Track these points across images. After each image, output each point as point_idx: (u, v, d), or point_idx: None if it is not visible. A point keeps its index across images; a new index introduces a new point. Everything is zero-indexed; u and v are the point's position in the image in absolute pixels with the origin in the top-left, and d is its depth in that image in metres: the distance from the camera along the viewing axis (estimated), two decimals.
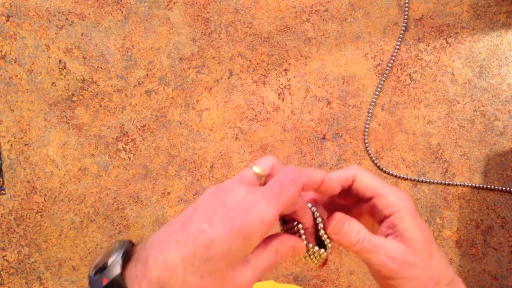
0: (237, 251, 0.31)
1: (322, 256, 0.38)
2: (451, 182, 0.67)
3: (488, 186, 0.67)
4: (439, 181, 0.67)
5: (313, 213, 0.37)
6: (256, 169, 0.35)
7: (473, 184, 0.67)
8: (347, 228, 0.36)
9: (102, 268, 0.31)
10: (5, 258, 0.68)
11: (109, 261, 0.31)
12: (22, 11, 0.68)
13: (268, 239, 0.35)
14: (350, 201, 0.40)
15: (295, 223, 0.37)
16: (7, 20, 0.67)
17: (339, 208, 0.41)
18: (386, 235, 0.37)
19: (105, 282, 0.31)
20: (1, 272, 0.68)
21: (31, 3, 0.68)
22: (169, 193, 0.68)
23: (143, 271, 0.31)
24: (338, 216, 0.37)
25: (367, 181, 0.37)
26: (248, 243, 0.31)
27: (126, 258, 0.32)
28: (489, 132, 0.67)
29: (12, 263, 0.68)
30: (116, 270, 0.31)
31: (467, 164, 0.67)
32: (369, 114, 0.68)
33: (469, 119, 0.68)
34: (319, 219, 0.37)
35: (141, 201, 0.68)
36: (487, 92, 0.67)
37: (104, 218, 0.68)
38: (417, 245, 0.36)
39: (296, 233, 0.37)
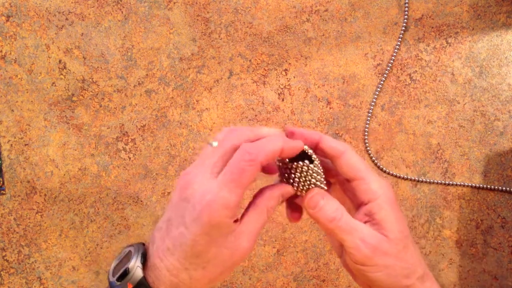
0: (218, 236, 0.33)
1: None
2: (451, 182, 0.67)
3: (488, 186, 0.67)
4: (439, 181, 0.67)
5: (310, 155, 0.37)
6: (216, 144, 0.36)
7: (473, 184, 0.67)
8: (324, 203, 0.36)
9: (124, 274, 0.34)
10: (5, 258, 0.68)
11: (130, 267, 0.34)
12: (22, 11, 0.68)
13: (255, 201, 0.36)
14: (334, 178, 0.40)
15: (290, 165, 0.37)
16: (7, 20, 0.68)
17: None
18: (364, 222, 0.37)
19: (130, 287, 0.34)
20: (1, 272, 0.68)
21: (31, 3, 0.68)
22: (169, 193, 0.69)
23: (157, 277, 0.34)
24: (316, 190, 0.37)
25: (353, 161, 0.37)
26: (223, 227, 0.33)
27: (145, 262, 0.35)
28: (489, 132, 0.67)
29: (12, 263, 0.68)
30: (139, 275, 0.34)
31: (467, 164, 0.68)
32: (369, 114, 0.68)
33: (469, 119, 0.68)
34: (316, 161, 0.37)
35: (141, 201, 0.68)
36: (487, 92, 0.67)
37: (104, 218, 0.68)
38: (393, 235, 0.36)
39: (290, 173, 0.38)
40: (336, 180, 0.41)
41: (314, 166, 0.37)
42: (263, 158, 0.33)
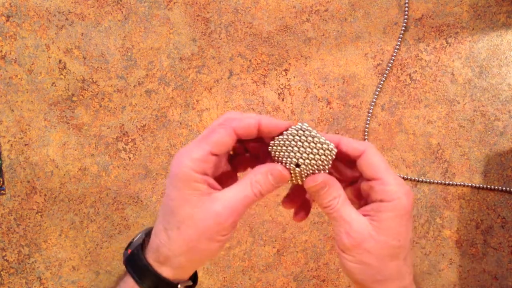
0: (189, 193, 0.35)
1: (301, 178, 0.38)
2: (451, 182, 0.67)
3: (488, 186, 0.67)
4: (439, 181, 0.67)
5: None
6: None
7: (473, 184, 0.67)
8: (325, 191, 0.37)
9: (129, 244, 0.38)
10: (5, 258, 0.68)
11: (135, 238, 0.39)
12: (22, 11, 0.68)
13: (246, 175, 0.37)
14: (355, 175, 0.40)
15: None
16: (7, 20, 0.67)
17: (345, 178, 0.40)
18: (367, 215, 0.36)
19: (129, 252, 0.37)
20: (1, 272, 0.68)
21: (31, 3, 0.68)
22: None
23: (149, 242, 0.37)
24: (321, 178, 0.37)
25: (373, 160, 0.36)
26: (189, 181, 0.35)
27: (148, 236, 0.38)
28: (489, 132, 0.67)
29: (12, 263, 0.68)
30: (138, 242, 0.38)
31: (467, 164, 0.68)
32: (369, 114, 0.68)
33: (469, 119, 0.68)
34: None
35: (141, 201, 0.68)
36: (487, 92, 0.67)
37: (104, 218, 0.68)
38: (384, 239, 0.35)
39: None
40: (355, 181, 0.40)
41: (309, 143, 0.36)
42: (237, 124, 0.35)
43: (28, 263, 0.68)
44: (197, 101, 0.68)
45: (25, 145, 0.68)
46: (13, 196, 0.68)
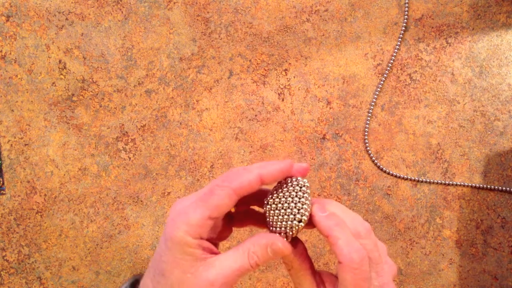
0: (182, 257, 0.33)
1: None
2: (451, 182, 0.67)
3: (488, 186, 0.67)
4: (439, 181, 0.67)
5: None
6: None
7: (473, 184, 0.67)
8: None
9: None
10: (5, 258, 0.68)
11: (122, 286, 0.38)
12: (22, 11, 0.68)
13: (243, 241, 0.35)
14: None
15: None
16: (7, 20, 0.68)
17: None
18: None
19: None
20: (1, 272, 0.68)
21: (31, 3, 0.68)
22: (169, 193, 0.68)
23: None
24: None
25: (338, 250, 0.34)
26: (183, 245, 0.33)
27: (133, 286, 0.38)
28: (489, 132, 0.67)
29: (12, 263, 0.68)
30: None
31: (467, 164, 0.68)
32: (369, 114, 0.68)
33: (469, 119, 0.68)
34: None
35: (141, 201, 0.68)
36: (487, 92, 0.67)
37: (104, 218, 0.68)
38: None
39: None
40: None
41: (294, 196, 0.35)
42: (237, 185, 0.33)
43: (28, 263, 0.68)
44: (197, 101, 0.68)
45: (25, 145, 0.68)
46: (13, 196, 0.68)
